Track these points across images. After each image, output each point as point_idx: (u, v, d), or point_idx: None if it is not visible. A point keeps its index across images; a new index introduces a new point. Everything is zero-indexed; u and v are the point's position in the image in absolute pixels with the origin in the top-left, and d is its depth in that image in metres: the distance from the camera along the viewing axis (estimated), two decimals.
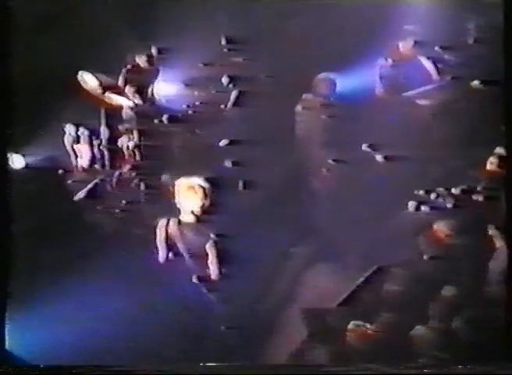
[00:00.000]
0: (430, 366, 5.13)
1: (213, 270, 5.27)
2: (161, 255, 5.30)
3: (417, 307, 5.20)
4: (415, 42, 5.42)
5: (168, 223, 5.34)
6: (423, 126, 5.37)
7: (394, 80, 5.47)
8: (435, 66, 5.41)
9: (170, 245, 5.32)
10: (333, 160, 5.37)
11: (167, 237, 5.32)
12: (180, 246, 5.32)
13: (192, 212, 5.33)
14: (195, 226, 5.35)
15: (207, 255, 5.28)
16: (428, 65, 5.40)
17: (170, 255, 5.32)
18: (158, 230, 5.32)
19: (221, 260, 5.29)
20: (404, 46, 5.44)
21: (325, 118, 5.45)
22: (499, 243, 5.18)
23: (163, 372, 5.14)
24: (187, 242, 5.33)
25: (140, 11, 5.38)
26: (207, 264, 5.28)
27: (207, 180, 5.32)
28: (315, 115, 5.45)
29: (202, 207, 5.32)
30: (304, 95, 5.45)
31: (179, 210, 5.35)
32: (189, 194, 5.32)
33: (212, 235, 5.30)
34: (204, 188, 5.31)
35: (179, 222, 5.34)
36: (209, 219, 5.35)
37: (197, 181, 5.33)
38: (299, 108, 5.44)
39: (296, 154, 5.45)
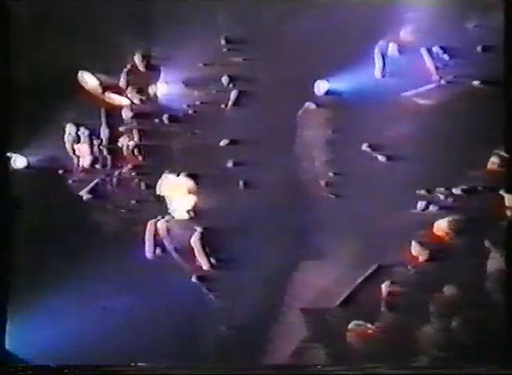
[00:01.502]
0: (430, 366, 5.13)
1: (203, 262, 5.29)
2: (148, 251, 5.32)
3: (418, 307, 5.20)
4: (415, 37, 5.42)
5: (157, 220, 5.37)
6: (423, 126, 5.36)
7: (394, 66, 5.45)
8: (435, 65, 5.41)
9: (158, 242, 5.34)
10: (333, 160, 5.38)
11: (155, 234, 5.34)
12: (167, 243, 5.35)
13: (181, 209, 5.36)
14: (183, 223, 5.38)
15: (193, 249, 5.31)
16: (428, 61, 5.40)
17: (158, 251, 5.34)
18: (147, 228, 5.35)
19: (219, 260, 5.32)
20: (405, 36, 5.41)
21: (324, 117, 5.45)
22: (499, 243, 5.19)
23: (162, 372, 5.14)
24: (174, 239, 5.36)
25: (140, 11, 5.39)
26: (194, 259, 5.31)
27: (196, 177, 5.36)
28: (315, 115, 5.45)
29: (193, 206, 5.36)
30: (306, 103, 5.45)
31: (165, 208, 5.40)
32: (174, 193, 5.36)
33: (198, 228, 5.32)
34: (189, 186, 5.35)
35: (168, 219, 5.37)
36: (199, 216, 5.37)
37: (181, 180, 5.36)
38: (300, 112, 5.44)
39: (296, 153, 5.44)
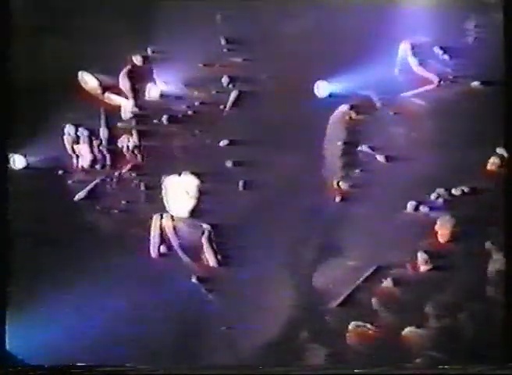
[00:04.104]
0: (429, 366, 5.13)
1: (210, 259, 5.30)
2: (153, 249, 5.32)
3: (417, 307, 5.20)
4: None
5: (161, 218, 5.37)
6: (423, 127, 5.37)
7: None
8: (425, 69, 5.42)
9: (164, 240, 5.35)
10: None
11: (161, 232, 5.35)
12: (174, 241, 5.36)
13: (185, 209, 5.36)
14: (189, 222, 5.38)
15: (201, 247, 5.31)
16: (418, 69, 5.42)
17: (163, 249, 5.34)
18: (152, 226, 5.35)
19: (220, 258, 5.33)
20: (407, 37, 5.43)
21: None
22: (499, 244, 5.19)
23: (162, 372, 5.15)
24: (181, 237, 5.36)
25: (139, 11, 5.39)
26: (201, 257, 5.31)
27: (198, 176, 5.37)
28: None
29: (195, 205, 5.36)
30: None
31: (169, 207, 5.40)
32: (179, 193, 5.36)
33: (206, 226, 5.32)
34: (192, 184, 5.36)
35: (172, 218, 5.37)
36: (205, 215, 5.37)
37: (187, 179, 5.37)
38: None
39: (295, 154, 5.44)
